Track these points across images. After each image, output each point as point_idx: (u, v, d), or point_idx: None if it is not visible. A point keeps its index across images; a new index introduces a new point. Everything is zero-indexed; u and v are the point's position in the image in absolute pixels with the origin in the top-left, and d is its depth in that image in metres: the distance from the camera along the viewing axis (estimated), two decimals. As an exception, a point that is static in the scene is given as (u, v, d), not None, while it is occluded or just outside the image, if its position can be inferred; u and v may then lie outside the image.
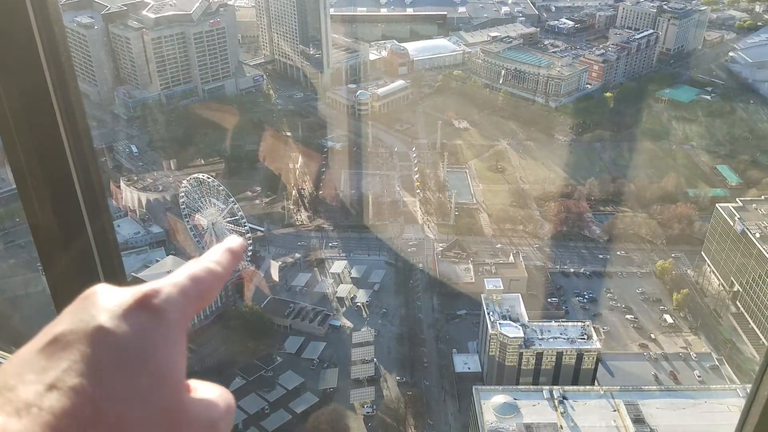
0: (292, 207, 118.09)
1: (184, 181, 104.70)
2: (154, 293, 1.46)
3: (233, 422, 1.58)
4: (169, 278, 1.54)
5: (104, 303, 1.42)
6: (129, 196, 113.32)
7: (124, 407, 1.27)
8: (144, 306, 1.43)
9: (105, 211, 3.86)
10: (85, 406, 1.23)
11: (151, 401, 1.32)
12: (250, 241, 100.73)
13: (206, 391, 1.54)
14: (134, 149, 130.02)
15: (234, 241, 1.75)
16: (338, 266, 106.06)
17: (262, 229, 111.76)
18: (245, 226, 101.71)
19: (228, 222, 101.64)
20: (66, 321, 1.38)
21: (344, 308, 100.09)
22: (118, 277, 3.92)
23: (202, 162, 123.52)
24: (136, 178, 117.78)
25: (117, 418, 1.25)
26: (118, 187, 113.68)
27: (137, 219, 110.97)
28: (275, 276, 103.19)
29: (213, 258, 1.66)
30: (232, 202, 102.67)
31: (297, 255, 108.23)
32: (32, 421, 1.20)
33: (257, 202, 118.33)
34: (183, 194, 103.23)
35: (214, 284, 1.61)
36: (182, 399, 1.40)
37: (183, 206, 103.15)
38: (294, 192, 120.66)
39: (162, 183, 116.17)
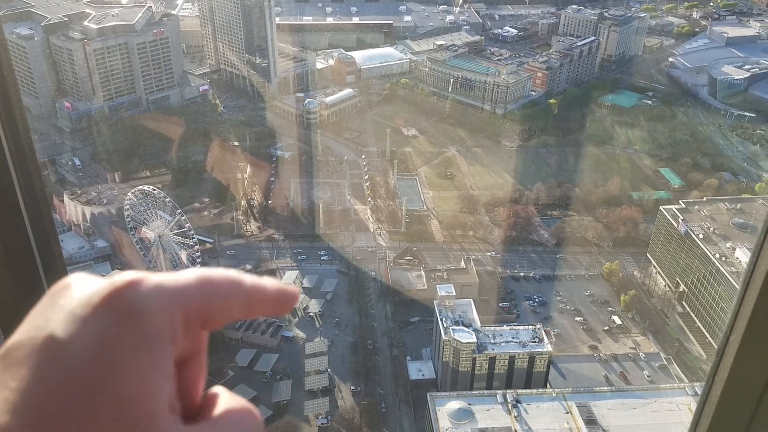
0: (241, 218, 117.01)
1: (129, 194, 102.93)
2: (130, 286, 1.13)
3: None
4: (167, 273, 1.21)
5: (66, 302, 1.13)
6: (72, 210, 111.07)
7: None
8: (114, 304, 1.11)
9: (50, 225, 3.69)
10: None
11: None
12: (198, 253, 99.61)
13: (219, 411, 1.18)
14: (77, 162, 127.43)
15: (292, 286, 1.38)
16: (290, 276, 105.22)
17: (211, 240, 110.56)
18: (193, 238, 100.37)
19: (176, 234, 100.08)
20: (22, 329, 1.11)
21: (296, 319, 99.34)
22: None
23: (148, 174, 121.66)
24: (79, 191, 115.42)
25: None
26: (62, 201, 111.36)
27: (81, 233, 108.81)
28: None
29: (250, 276, 1.30)
30: (180, 213, 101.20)
31: (248, 266, 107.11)
32: None
33: (205, 213, 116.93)
34: (128, 207, 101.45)
35: (232, 297, 1.24)
36: (161, 429, 1.06)
37: (128, 219, 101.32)
38: (243, 202, 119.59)
39: (106, 196, 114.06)
